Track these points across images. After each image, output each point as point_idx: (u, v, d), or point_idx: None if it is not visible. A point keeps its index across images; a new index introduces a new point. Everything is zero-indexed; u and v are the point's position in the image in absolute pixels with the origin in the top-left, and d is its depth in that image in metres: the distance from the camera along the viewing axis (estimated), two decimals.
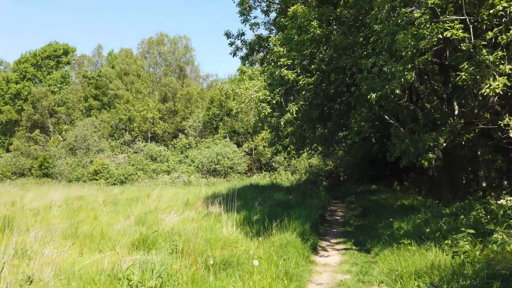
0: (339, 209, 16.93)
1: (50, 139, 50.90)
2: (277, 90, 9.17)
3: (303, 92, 9.08)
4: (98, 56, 57.44)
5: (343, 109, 11.11)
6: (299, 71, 9.20)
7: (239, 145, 42.16)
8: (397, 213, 10.48)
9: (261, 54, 15.12)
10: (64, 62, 58.59)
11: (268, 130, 23.88)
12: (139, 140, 43.62)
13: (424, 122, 9.07)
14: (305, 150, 23.30)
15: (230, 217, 9.06)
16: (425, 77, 14.55)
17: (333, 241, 9.72)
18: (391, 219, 9.69)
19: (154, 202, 17.36)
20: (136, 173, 38.94)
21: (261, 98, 9.19)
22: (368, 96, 7.62)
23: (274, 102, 9.25)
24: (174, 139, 44.79)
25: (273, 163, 36.67)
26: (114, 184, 38.08)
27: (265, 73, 10.54)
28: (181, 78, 51.36)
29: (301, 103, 8.94)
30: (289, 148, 23.10)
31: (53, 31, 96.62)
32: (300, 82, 8.94)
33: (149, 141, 45.99)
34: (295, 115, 8.95)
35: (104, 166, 40.34)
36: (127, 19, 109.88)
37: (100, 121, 47.86)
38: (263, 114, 9.36)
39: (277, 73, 8.89)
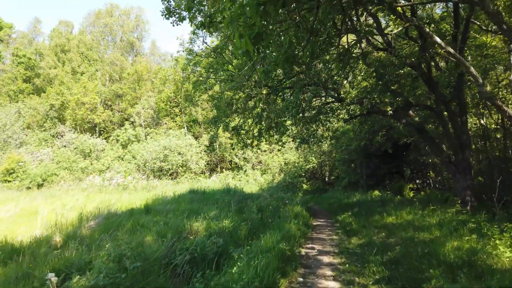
0: (326, 254, 8.09)
1: None
2: None
3: None
4: (34, 31, 47.42)
5: None
6: None
7: (199, 137, 33.22)
8: None
9: None
10: None
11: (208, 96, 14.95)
12: (70, 131, 34.05)
13: None
14: (271, 132, 14.39)
15: None
16: None
17: None
18: None
19: None
20: (59, 173, 29.53)
21: None
22: None
23: None
24: (119, 130, 35.38)
25: (238, 160, 27.78)
26: (29, 187, 28.68)
27: None
28: (133, 55, 41.99)
29: None
30: (242, 130, 14.34)
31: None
32: None
33: (96, 133, 36.60)
34: None
35: (20, 163, 30.75)
36: None
37: (28, 108, 38.17)
38: None
39: None
